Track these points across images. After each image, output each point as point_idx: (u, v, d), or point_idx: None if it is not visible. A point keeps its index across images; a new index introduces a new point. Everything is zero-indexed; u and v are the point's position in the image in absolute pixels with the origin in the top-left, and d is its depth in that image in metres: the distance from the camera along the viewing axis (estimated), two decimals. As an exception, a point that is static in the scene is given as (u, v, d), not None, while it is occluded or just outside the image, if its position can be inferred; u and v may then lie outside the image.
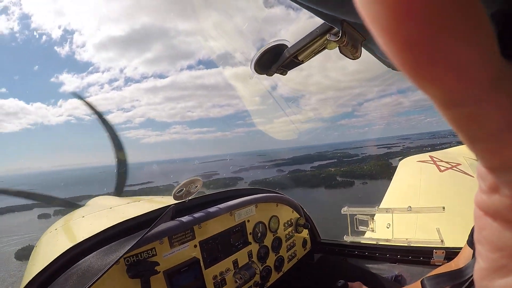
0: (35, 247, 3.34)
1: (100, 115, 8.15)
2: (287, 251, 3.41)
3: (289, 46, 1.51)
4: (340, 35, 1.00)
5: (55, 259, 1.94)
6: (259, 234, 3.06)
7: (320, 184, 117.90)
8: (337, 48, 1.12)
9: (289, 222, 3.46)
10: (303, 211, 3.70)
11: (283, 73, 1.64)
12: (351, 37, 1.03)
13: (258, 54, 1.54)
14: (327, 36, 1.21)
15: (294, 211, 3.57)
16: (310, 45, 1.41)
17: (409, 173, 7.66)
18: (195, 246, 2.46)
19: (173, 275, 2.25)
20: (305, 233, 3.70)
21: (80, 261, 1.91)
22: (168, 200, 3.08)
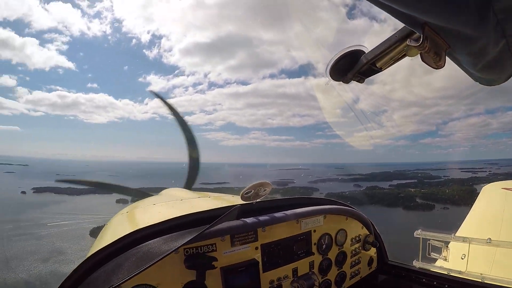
0: (105, 226, 3.55)
1: (177, 114, 8.66)
2: (350, 267, 3.34)
3: (366, 52, 1.48)
4: (421, 40, 0.96)
5: (119, 238, 2.16)
6: (323, 246, 3.05)
7: (397, 204, 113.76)
8: (419, 56, 1.07)
9: (357, 238, 3.38)
10: (374, 229, 3.58)
11: (360, 80, 1.61)
12: (433, 43, 0.98)
13: (334, 60, 1.52)
14: (407, 41, 1.16)
15: (364, 227, 3.48)
16: (389, 51, 1.36)
17: (493, 201, 7.16)
18: (256, 248, 2.56)
19: (229, 273, 2.38)
20: (372, 251, 3.59)
21: (141, 244, 2.09)
22: (236, 200, 3.04)
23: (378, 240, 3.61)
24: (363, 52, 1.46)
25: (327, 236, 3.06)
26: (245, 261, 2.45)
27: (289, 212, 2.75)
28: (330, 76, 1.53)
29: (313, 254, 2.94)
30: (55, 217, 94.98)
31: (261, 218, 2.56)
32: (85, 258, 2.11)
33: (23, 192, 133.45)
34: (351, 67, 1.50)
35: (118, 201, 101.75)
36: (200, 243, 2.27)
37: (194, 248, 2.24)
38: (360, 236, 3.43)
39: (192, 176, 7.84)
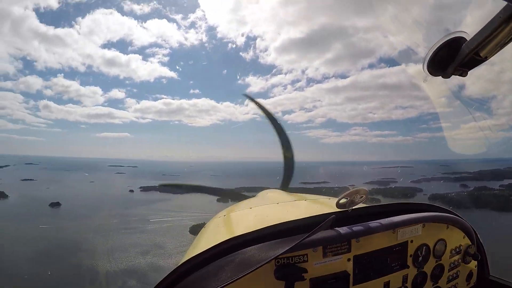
0: (204, 227, 3.76)
1: (269, 115, 8.14)
2: (447, 283, 3.11)
3: (468, 40, 1.35)
4: None
5: (215, 245, 2.24)
6: (420, 258, 2.84)
7: (509, 208, 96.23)
8: None
9: (457, 249, 3.12)
10: (477, 238, 3.27)
11: (463, 74, 1.50)
12: None
13: (432, 52, 1.43)
14: None
15: (466, 237, 3.19)
16: (493, 36, 1.21)
17: None
18: (349, 259, 2.46)
19: (319, 285, 2.34)
20: (473, 264, 3.28)
21: (238, 251, 2.15)
22: (332, 203, 2.84)
23: (480, 251, 3.23)
24: (464, 39, 1.32)
25: (424, 247, 2.81)
26: (335, 272, 2.38)
27: (385, 220, 2.58)
28: (428, 71, 1.44)
29: (408, 267, 2.73)
30: (158, 213, 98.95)
31: (356, 228, 2.43)
32: (181, 262, 2.25)
33: (131, 191, 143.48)
34: (451, 59, 1.37)
35: (219, 200, 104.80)
36: (292, 253, 2.23)
37: (285, 258, 2.23)
38: (461, 247, 3.09)
39: (287, 177, 7.06)
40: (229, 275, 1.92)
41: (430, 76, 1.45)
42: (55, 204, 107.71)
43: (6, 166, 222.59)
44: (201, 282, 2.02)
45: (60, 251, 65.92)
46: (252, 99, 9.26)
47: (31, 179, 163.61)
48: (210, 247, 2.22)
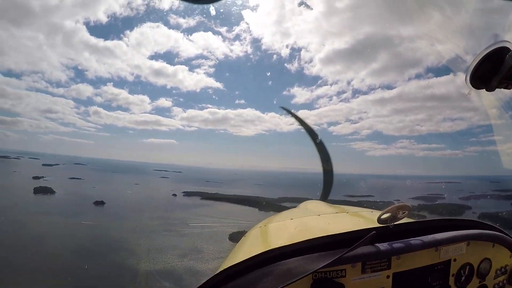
0: (244, 236, 3.70)
1: (307, 127, 8.09)
2: None
3: None
4: None
5: (253, 256, 2.27)
6: (462, 278, 2.74)
7: None
8: None
9: (503, 269, 2.97)
10: None
11: (508, 86, 1.47)
12: None
13: (474, 64, 1.40)
14: None
15: None
16: None
17: None
18: (388, 277, 2.42)
19: None
20: None
21: (276, 263, 2.16)
22: (373, 217, 2.74)
23: None
24: (507, 50, 1.27)
25: (468, 267, 2.71)
26: None
27: (427, 238, 2.51)
28: (471, 84, 1.40)
29: (450, 287, 2.65)
30: (199, 218, 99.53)
31: (397, 244, 2.40)
32: (220, 269, 2.29)
33: (174, 195, 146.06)
34: (495, 71, 1.32)
35: (260, 209, 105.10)
36: (330, 268, 2.23)
37: (323, 273, 2.24)
38: (507, 267, 2.94)
39: (327, 189, 6.84)
40: (266, 286, 1.96)
41: (473, 90, 1.40)
42: (99, 203, 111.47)
43: (56, 164, 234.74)
44: None
45: (99, 247, 67.54)
46: (290, 112, 8.86)
47: (78, 178, 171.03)
48: (249, 257, 2.24)
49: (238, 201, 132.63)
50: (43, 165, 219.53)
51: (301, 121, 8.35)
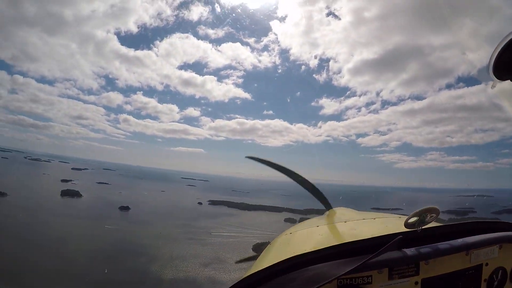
0: (270, 243, 3.79)
1: (280, 168, 6.80)
2: None
3: None
4: None
5: (279, 262, 2.27)
6: (495, 283, 2.66)
7: None
8: None
9: None
10: None
11: None
12: None
13: (497, 52, 1.33)
14: None
15: None
16: None
17: None
18: (416, 283, 2.37)
19: None
20: None
21: (301, 269, 2.16)
22: (400, 222, 2.68)
23: None
24: None
25: (501, 271, 2.62)
26: None
27: (458, 241, 2.46)
28: (494, 75, 1.33)
29: None
30: (223, 228, 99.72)
31: (425, 249, 2.33)
32: (245, 275, 2.28)
33: (200, 203, 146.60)
34: None
35: (286, 220, 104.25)
36: (356, 274, 2.20)
37: (349, 279, 2.21)
38: None
39: (322, 198, 6.40)
40: None
41: (498, 81, 1.34)
42: (124, 208, 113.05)
43: (85, 169, 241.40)
44: None
45: (120, 252, 68.24)
46: (258, 160, 7.79)
47: (106, 183, 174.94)
48: (273, 263, 2.24)
49: (264, 211, 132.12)
50: (72, 169, 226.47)
51: (272, 165, 7.19)
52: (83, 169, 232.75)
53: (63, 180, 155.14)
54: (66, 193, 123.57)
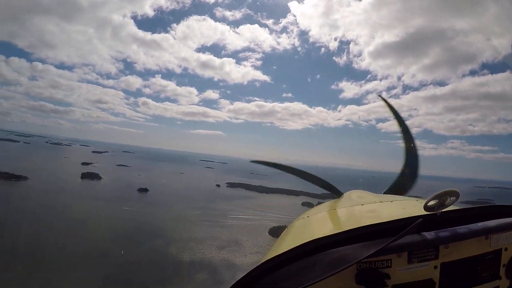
0: (287, 227, 3.75)
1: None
2: None
3: None
4: None
5: (296, 246, 2.26)
6: None
7: None
8: None
9: None
10: None
11: None
12: None
13: None
14: None
15: None
16: None
17: None
18: (435, 267, 2.33)
19: None
20: None
21: (320, 253, 2.17)
22: (420, 205, 2.58)
23: None
24: None
25: None
26: (420, 280, 2.27)
27: (477, 225, 2.40)
28: None
29: (500, 278, 2.47)
30: (241, 210, 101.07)
31: (445, 233, 2.30)
32: (264, 259, 2.27)
33: (218, 185, 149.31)
34: None
35: (304, 204, 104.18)
36: (375, 258, 2.17)
37: (368, 263, 2.20)
38: None
39: (328, 186, 5.69)
40: (309, 276, 1.96)
41: None
42: (143, 190, 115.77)
43: (105, 152, 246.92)
44: (281, 282, 2.06)
45: (137, 234, 69.70)
46: (263, 162, 8.12)
47: (125, 165, 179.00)
48: (292, 247, 2.23)
49: (281, 194, 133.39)
50: (93, 152, 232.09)
51: (278, 166, 7.24)
52: (103, 152, 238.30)
53: (83, 163, 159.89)
54: (86, 176, 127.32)
